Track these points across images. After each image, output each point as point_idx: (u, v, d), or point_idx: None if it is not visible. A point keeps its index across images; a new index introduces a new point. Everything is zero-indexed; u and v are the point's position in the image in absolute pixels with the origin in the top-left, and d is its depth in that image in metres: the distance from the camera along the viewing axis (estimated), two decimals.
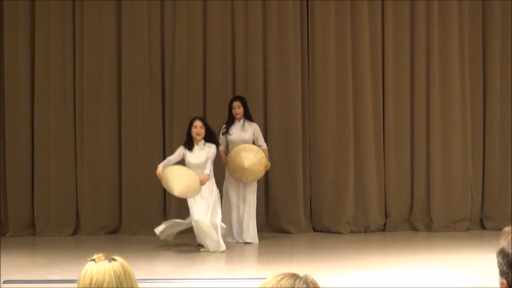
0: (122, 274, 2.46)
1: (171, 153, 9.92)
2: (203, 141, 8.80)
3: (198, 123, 8.79)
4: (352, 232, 9.96)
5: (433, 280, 7.15)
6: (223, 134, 9.22)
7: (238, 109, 9.19)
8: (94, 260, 2.49)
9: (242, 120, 9.23)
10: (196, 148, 8.79)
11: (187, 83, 9.97)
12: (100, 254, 2.52)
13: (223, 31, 10.02)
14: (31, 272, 7.57)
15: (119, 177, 10.01)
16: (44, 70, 9.95)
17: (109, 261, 2.49)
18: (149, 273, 7.39)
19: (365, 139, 10.01)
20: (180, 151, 8.83)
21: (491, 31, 10.07)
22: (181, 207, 9.67)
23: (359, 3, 10.00)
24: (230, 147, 9.25)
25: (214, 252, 8.60)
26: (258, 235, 9.33)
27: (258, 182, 9.80)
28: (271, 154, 9.90)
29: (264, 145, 9.34)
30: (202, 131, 8.77)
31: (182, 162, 8.85)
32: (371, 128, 10.01)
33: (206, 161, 8.67)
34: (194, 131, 8.76)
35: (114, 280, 2.44)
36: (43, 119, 9.95)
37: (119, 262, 2.49)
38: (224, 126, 9.26)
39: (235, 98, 9.31)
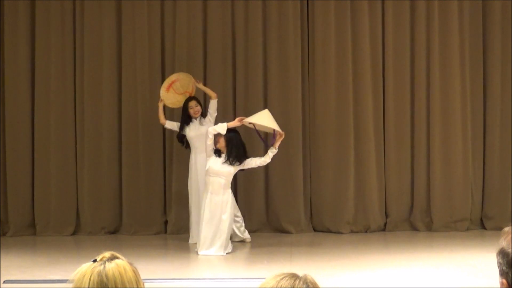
0: (106, 278, 2.37)
1: (171, 153, 9.95)
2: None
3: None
4: (352, 232, 9.95)
5: (433, 280, 7.15)
6: (179, 133, 9.23)
7: (196, 107, 9.18)
8: (95, 260, 2.43)
9: (198, 118, 9.23)
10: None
11: None
12: (105, 254, 2.46)
13: (223, 31, 10.01)
14: (31, 272, 7.57)
15: (119, 177, 10.00)
16: (44, 70, 9.95)
17: (104, 263, 2.41)
18: (149, 273, 7.38)
19: (365, 139, 10.00)
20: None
21: (491, 31, 10.06)
22: (181, 207, 9.68)
23: (359, 3, 10.00)
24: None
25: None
26: (258, 235, 9.29)
27: (258, 182, 9.83)
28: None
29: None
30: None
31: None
32: (371, 128, 10.00)
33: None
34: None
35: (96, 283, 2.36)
36: (43, 119, 9.95)
37: (111, 266, 2.41)
38: (177, 124, 9.26)
39: (190, 99, 9.27)
